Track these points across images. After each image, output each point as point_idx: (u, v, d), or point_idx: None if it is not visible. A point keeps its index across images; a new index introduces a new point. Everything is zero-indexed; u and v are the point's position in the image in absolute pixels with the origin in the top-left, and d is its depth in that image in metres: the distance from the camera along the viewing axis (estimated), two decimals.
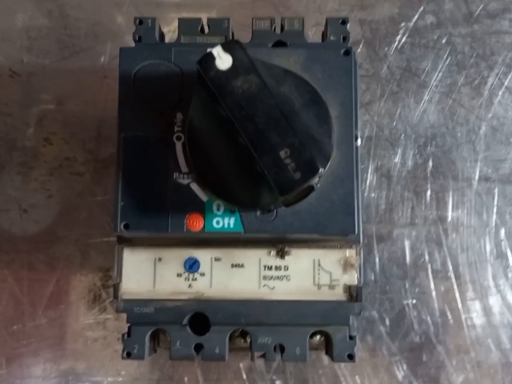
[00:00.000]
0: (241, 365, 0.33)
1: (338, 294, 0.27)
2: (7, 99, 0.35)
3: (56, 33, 0.36)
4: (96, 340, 0.33)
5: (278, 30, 0.28)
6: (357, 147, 0.26)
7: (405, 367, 0.33)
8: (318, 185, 0.24)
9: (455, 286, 0.34)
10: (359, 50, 0.36)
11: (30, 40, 0.36)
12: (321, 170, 0.22)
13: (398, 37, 0.36)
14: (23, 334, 0.33)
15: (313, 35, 0.35)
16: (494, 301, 0.34)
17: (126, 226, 0.25)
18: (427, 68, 0.36)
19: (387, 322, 0.33)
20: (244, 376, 0.33)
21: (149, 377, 0.33)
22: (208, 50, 0.22)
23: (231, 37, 0.28)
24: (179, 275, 0.27)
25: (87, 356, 0.33)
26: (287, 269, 0.27)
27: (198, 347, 0.27)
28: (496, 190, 0.35)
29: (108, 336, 0.33)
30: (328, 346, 0.28)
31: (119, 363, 0.33)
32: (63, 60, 0.36)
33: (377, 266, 0.34)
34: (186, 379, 0.33)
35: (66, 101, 0.35)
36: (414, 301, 0.33)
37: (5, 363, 0.33)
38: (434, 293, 0.33)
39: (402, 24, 0.36)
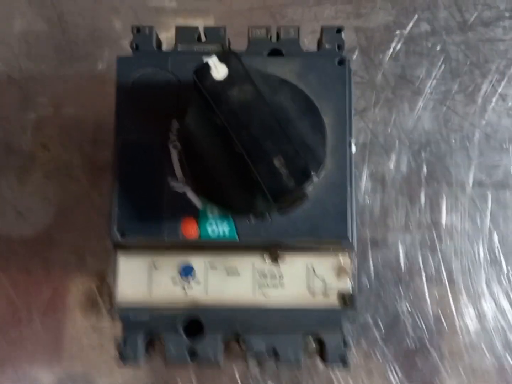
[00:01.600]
0: (235, 370, 0.33)
1: (332, 301, 0.27)
2: (5, 103, 0.35)
3: (54, 38, 0.36)
4: (92, 345, 0.33)
5: (274, 39, 0.28)
6: (351, 154, 0.26)
7: (399, 372, 0.33)
8: (312, 191, 0.24)
9: (449, 292, 0.34)
10: (354, 57, 0.36)
11: (28, 45, 0.36)
12: (314, 177, 0.22)
13: (393, 45, 0.37)
14: (19, 339, 0.33)
15: (309, 42, 0.35)
16: (487, 306, 0.34)
17: (122, 234, 0.25)
18: (421, 76, 0.36)
19: (382, 327, 0.33)
20: (239, 382, 0.33)
21: (144, 382, 0.33)
22: (204, 60, 0.23)
23: (227, 45, 0.28)
24: (174, 282, 0.27)
25: (83, 361, 0.33)
26: (282, 276, 0.27)
27: (193, 354, 0.27)
28: (489, 196, 0.35)
29: (104, 342, 0.33)
30: (322, 352, 0.28)
31: (114, 368, 0.33)
32: (60, 65, 0.36)
33: (372, 271, 0.34)
34: None
35: (63, 106, 0.35)
36: (408, 307, 0.34)
37: (1, 367, 0.33)
38: (428, 299, 0.34)
39: (397, 32, 0.37)
